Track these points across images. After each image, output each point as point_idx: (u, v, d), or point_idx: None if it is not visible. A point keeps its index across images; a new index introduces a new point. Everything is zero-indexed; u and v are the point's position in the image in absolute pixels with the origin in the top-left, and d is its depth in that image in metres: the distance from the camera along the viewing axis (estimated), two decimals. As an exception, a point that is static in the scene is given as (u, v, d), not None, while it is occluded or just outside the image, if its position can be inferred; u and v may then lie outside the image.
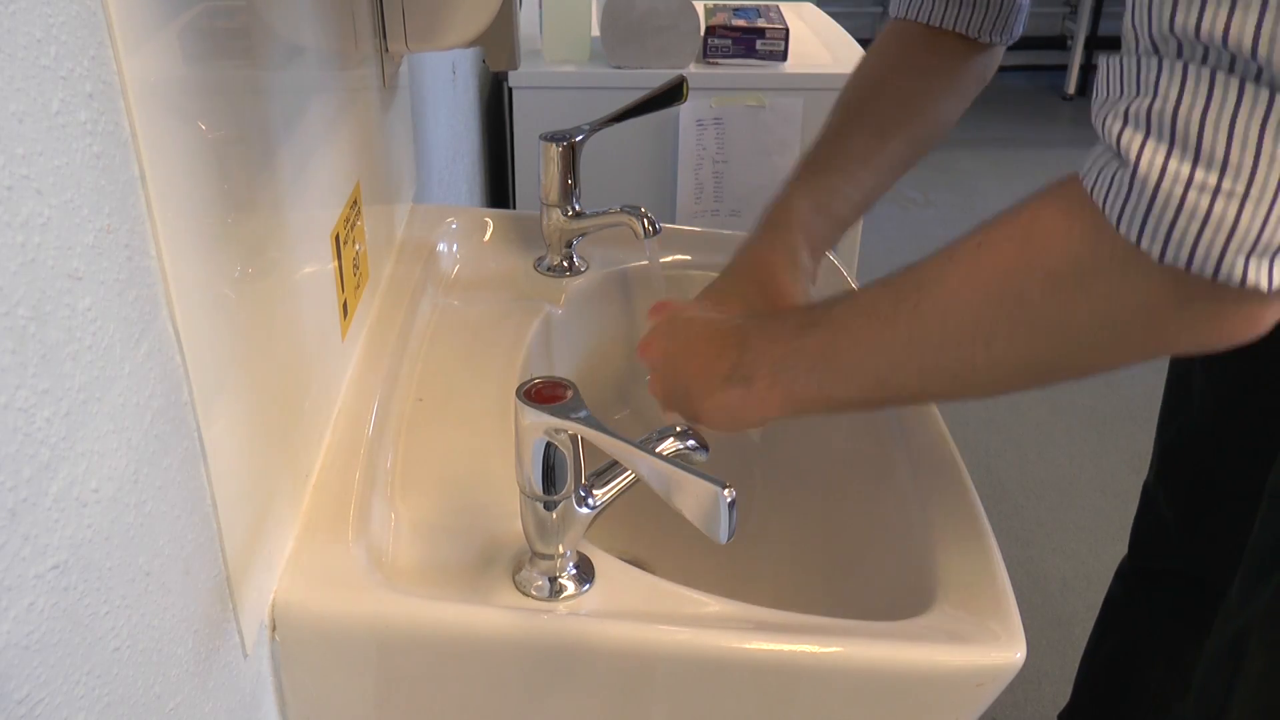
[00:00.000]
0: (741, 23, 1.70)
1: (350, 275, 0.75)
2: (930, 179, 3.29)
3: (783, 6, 1.87)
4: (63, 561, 0.35)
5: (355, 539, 0.61)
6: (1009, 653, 0.57)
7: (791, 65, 1.70)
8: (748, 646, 0.57)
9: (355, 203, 0.76)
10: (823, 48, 1.82)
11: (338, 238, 0.71)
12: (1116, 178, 0.47)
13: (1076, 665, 1.34)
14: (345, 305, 0.74)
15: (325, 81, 0.69)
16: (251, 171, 0.54)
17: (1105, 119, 0.49)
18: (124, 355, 0.39)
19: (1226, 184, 0.43)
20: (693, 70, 1.68)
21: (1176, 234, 0.45)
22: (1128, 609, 1.24)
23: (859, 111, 0.85)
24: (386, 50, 0.87)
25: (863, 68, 0.87)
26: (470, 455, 0.72)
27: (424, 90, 1.16)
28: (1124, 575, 1.25)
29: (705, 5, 1.81)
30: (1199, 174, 0.44)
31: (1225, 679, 0.90)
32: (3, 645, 0.32)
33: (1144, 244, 0.46)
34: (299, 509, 0.63)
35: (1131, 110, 0.47)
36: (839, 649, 0.57)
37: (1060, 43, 4.30)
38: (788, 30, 1.68)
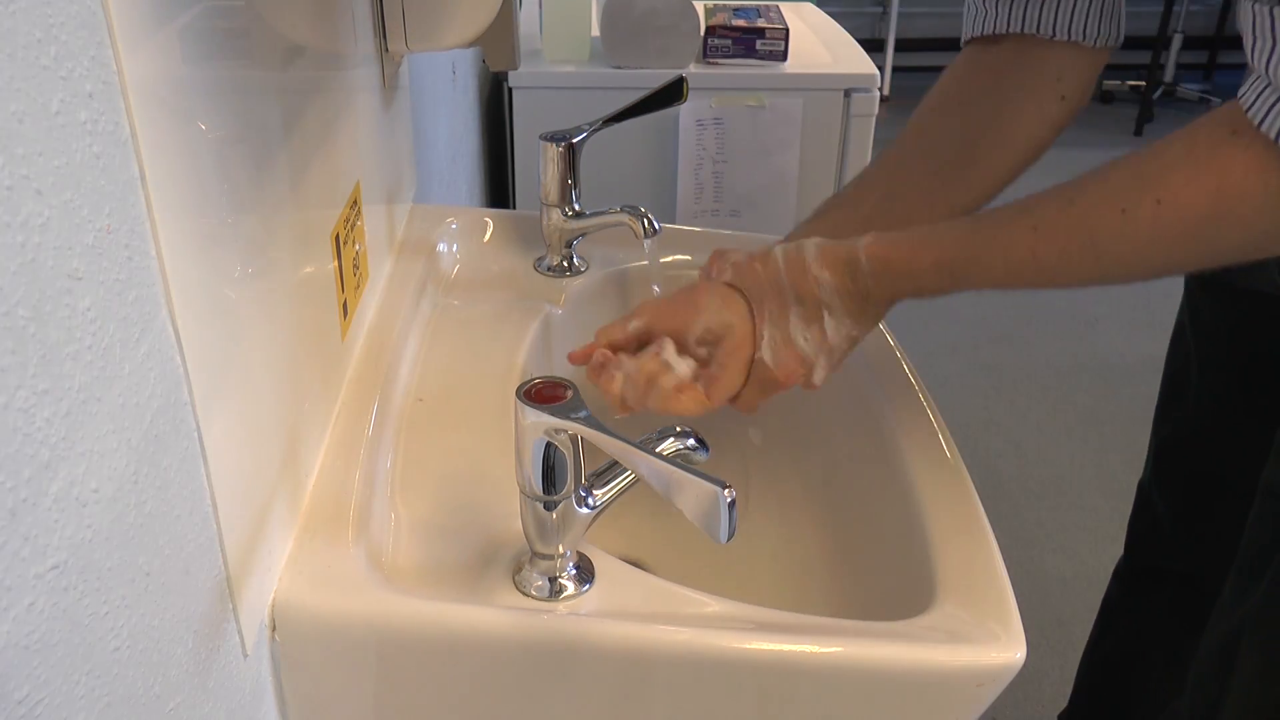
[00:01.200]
0: (741, 23, 1.70)
1: (350, 275, 0.75)
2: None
3: (783, 6, 1.87)
4: (62, 561, 0.35)
5: (355, 539, 0.61)
6: (1009, 653, 0.57)
7: (791, 65, 1.70)
8: (748, 646, 0.57)
9: (355, 203, 0.76)
10: (823, 48, 1.82)
11: (338, 238, 0.71)
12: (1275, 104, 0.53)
13: (1076, 665, 1.34)
14: (345, 305, 0.74)
15: (325, 81, 0.69)
16: (251, 171, 0.54)
17: None
18: (124, 355, 0.39)
19: None
20: (693, 70, 1.67)
21: None
22: (1125, 609, 1.24)
23: (900, 149, 0.80)
24: (386, 50, 0.87)
25: (921, 104, 0.82)
26: (470, 455, 0.72)
27: (424, 90, 1.16)
28: (1121, 575, 1.25)
29: (705, 5, 1.81)
30: None
31: (1220, 677, 0.90)
32: (3, 645, 0.32)
33: None
34: (299, 509, 0.63)
35: None
36: (839, 649, 0.57)
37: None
38: (788, 30, 1.68)
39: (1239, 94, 0.57)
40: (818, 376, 0.69)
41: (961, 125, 0.79)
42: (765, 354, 0.68)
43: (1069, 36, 0.74)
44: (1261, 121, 0.54)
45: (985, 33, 0.77)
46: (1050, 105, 0.77)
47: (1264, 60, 0.55)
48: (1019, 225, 0.63)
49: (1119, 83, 4.39)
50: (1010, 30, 0.76)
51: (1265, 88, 0.55)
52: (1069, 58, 0.76)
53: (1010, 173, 0.78)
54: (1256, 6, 0.55)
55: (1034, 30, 0.75)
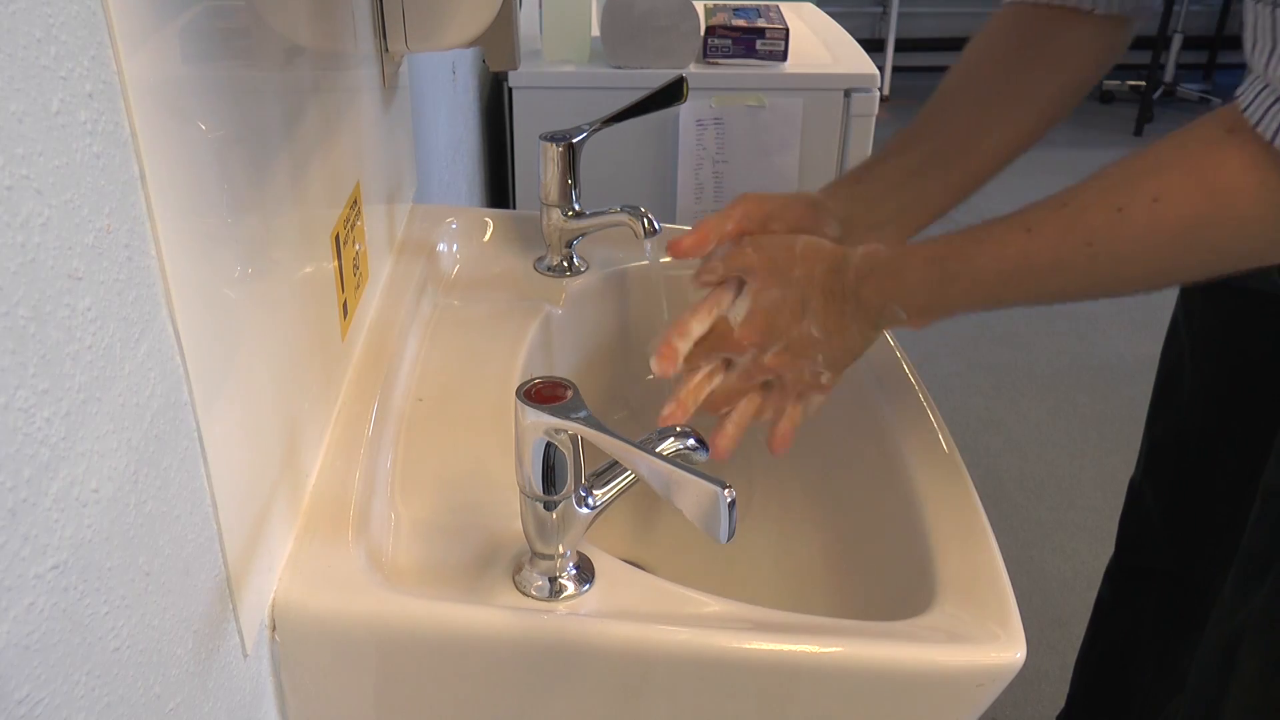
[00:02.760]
0: (741, 23, 1.70)
1: (350, 275, 0.75)
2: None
3: (783, 6, 1.87)
4: (63, 561, 0.35)
5: (355, 539, 0.61)
6: (1009, 653, 0.57)
7: (791, 65, 1.70)
8: (748, 646, 0.57)
9: (355, 203, 0.76)
10: (823, 48, 1.82)
11: (338, 238, 0.71)
12: (1272, 105, 0.53)
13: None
14: (345, 305, 0.74)
15: (325, 81, 0.69)
16: (251, 171, 0.54)
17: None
18: (124, 355, 0.39)
19: None
20: (693, 70, 1.67)
21: None
22: (1116, 609, 1.24)
23: (950, 97, 0.82)
24: (386, 50, 0.87)
25: (962, 56, 0.84)
26: (470, 455, 0.72)
27: (424, 90, 1.16)
28: (1112, 575, 1.25)
29: (705, 5, 1.81)
30: None
31: (1220, 678, 0.90)
32: (3, 645, 0.32)
33: None
34: (299, 509, 0.63)
35: None
36: (839, 649, 0.57)
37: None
38: (788, 30, 1.68)
39: (1236, 93, 0.57)
40: (771, 357, 0.70)
41: (1010, 78, 0.81)
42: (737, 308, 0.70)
43: (1107, 9, 0.77)
44: (1259, 121, 0.54)
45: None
46: (1089, 69, 0.80)
47: (1263, 61, 0.55)
48: (1012, 226, 0.63)
49: (1119, 83, 4.39)
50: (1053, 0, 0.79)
51: (1263, 88, 0.55)
52: (1107, 27, 0.79)
53: (1046, 123, 0.81)
54: (1258, 6, 0.55)
55: (1075, 4, 0.78)
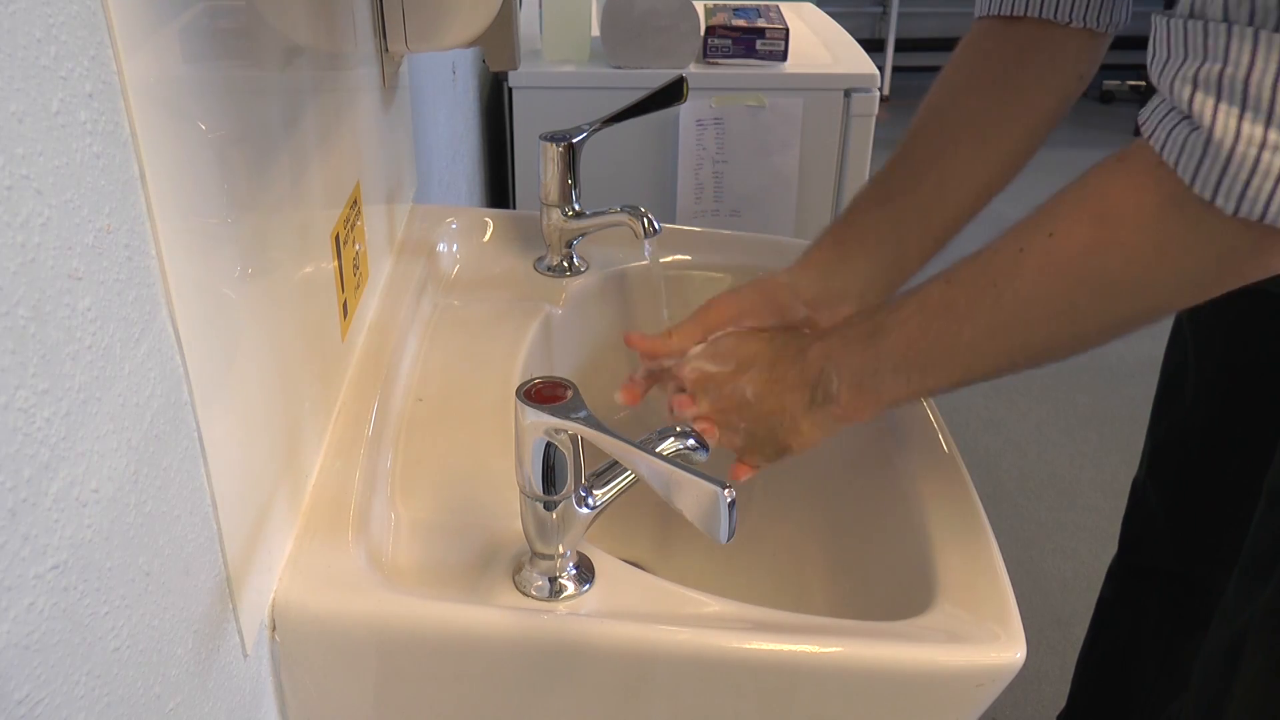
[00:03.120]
0: (741, 23, 1.70)
1: (350, 275, 0.75)
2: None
3: (783, 6, 1.86)
4: (63, 561, 0.35)
5: (355, 539, 0.61)
6: (1009, 653, 0.57)
7: (791, 65, 1.70)
8: (748, 646, 0.57)
9: (355, 203, 0.76)
10: (823, 48, 1.82)
11: (338, 238, 0.71)
12: (1190, 140, 0.50)
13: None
14: (345, 305, 0.74)
15: (325, 81, 0.69)
16: (251, 171, 0.54)
17: (1173, 82, 0.51)
18: (124, 355, 0.39)
19: None
20: (693, 70, 1.67)
21: (1251, 191, 0.48)
22: (1119, 608, 1.24)
23: (930, 131, 0.80)
24: (386, 50, 0.87)
25: (940, 80, 0.82)
26: (470, 455, 0.72)
27: (424, 90, 1.16)
28: (1114, 575, 1.25)
29: (705, 5, 1.81)
30: (1272, 135, 0.47)
31: (1223, 679, 0.90)
32: (3, 645, 0.32)
33: (1219, 201, 0.49)
34: (299, 509, 0.63)
35: (1201, 75, 0.50)
36: (839, 649, 0.57)
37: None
38: (788, 30, 1.68)
39: (1139, 115, 0.55)
40: (701, 406, 0.71)
41: (998, 97, 0.79)
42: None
43: (1084, 24, 0.75)
44: (1151, 134, 0.53)
45: (1004, 13, 0.78)
46: (1071, 81, 0.79)
47: (1157, 72, 0.53)
48: (936, 278, 0.63)
49: (1119, 83, 4.39)
50: (1029, 14, 0.77)
51: (1160, 103, 0.53)
52: (1085, 41, 0.78)
53: (1037, 142, 0.79)
54: (1157, 18, 0.53)
55: (1051, 16, 0.76)
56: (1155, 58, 0.54)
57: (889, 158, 0.80)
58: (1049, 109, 0.78)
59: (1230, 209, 0.49)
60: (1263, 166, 0.48)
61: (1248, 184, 0.48)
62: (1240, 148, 0.48)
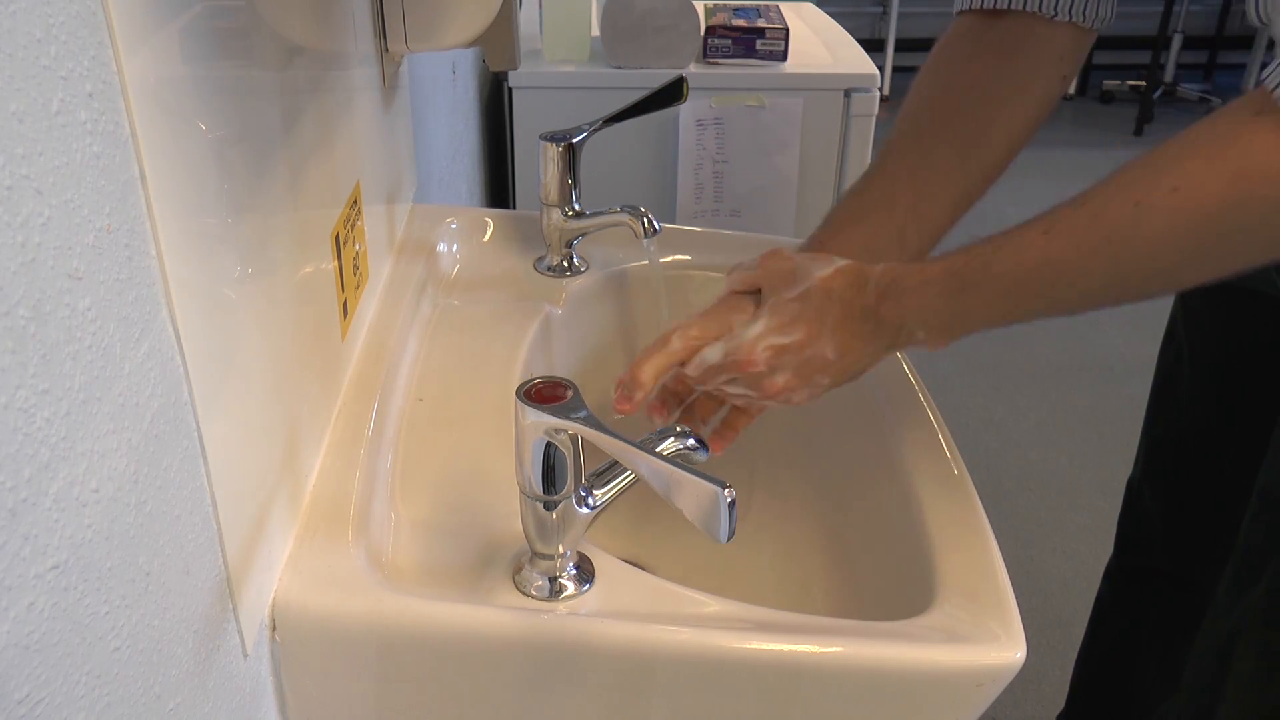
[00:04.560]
0: (741, 23, 1.70)
1: (350, 275, 0.75)
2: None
3: (783, 6, 1.86)
4: (63, 561, 0.35)
5: (355, 539, 0.61)
6: (1009, 653, 0.57)
7: (791, 65, 1.70)
8: (748, 646, 0.57)
9: (355, 203, 0.76)
10: (823, 48, 1.82)
11: (338, 238, 0.71)
12: None
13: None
14: (345, 305, 0.74)
15: (325, 81, 0.69)
16: (251, 171, 0.54)
17: None
18: (124, 355, 0.39)
19: None
20: (693, 70, 1.67)
21: None
22: (1116, 609, 1.24)
23: (907, 144, 0.78)
24: (386, 50, 0.87)
25: (916, 88, 0.81)
26: (470, 455, 0.72)
27: (424, 90, 1.16)
28: (1111, 575, 1.25)
29: (705, 5, 1.81)
30: None
31: (1215, 679, 0.90)
32: (3, 645, 0.32)
33: None
34: (299, 509, 0.63)
35: None
36: (839, 649, 0.57)
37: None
38: (788, 30, 1.68)
39: (1262, 76, 0.55)
40: (780, 379, 0.67)
41: (977, 106, 0.77)
42: (747, 331, 0.67)
43: (1069, 18, 0.74)
44: (1277, 87, 0.53)
45: (988, 7, 0.77)
46: (1054, 83, 0.77)
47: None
48: (1031, 229, 0.62)
49: (1119, 83, 4.39)
50: (1014, 7, 0.75)
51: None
52: (1069, 37, 0.76)
53: (1019, 147, 0.78)
54: None
55: (1038, 9, 0.75)
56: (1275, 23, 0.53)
57: (865, 171, 0.79)
58: (1030, 115, 0.77)
59: None
60: None
61: None
62: None
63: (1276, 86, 0.54)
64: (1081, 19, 0.75)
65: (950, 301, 0.64)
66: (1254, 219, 0.55)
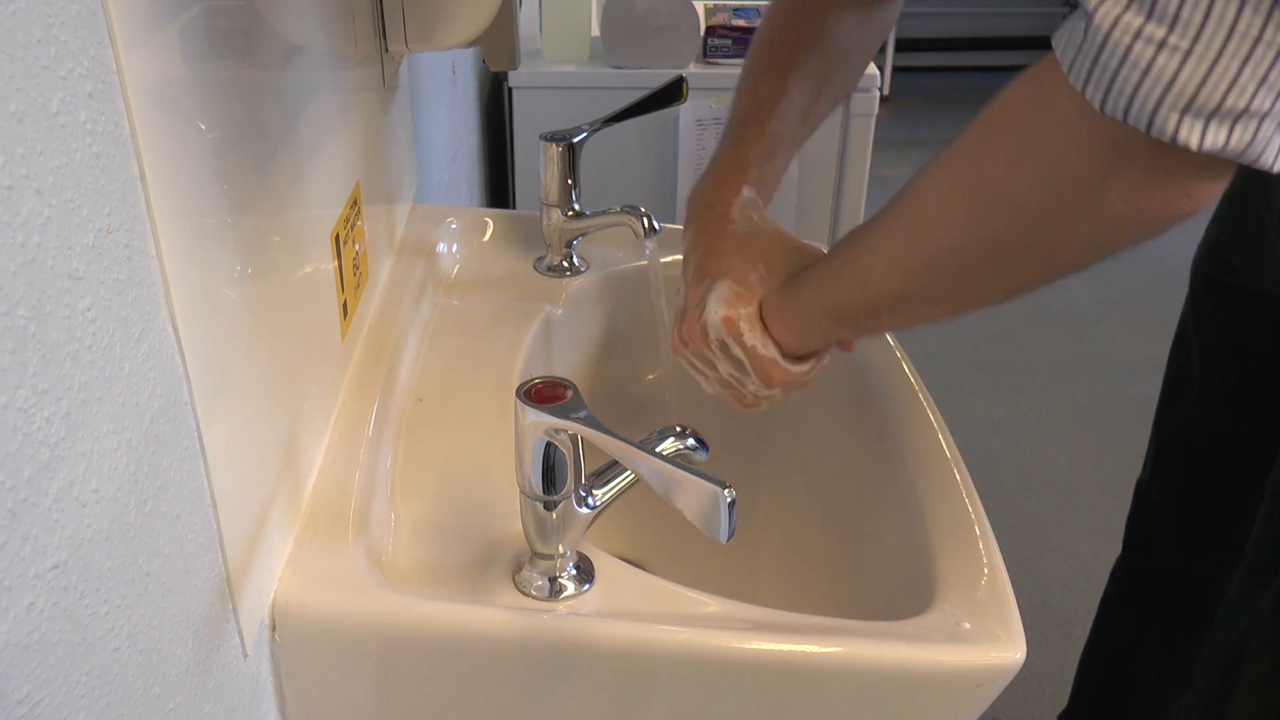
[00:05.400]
0: (741, 22, 1.70)
1: (350, 275, 0.75)
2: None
3: (783, 6, 1.86)
4: (62, 561, 0.35)
5: (355, 539, 0.61)
6: (1009, 653, 0.57)
7: (791, 65, 1.69)
8: (748, 646, 0.57)
9: (355, 203, 0.76)
10: (823, 48, 1.82)
11: (338, 238, 0.71)
12: (1074, 28, 0.48)
13: (1076, 666, 1.34)
14: (345, 305, 0.74)
15: (325, 81, 0.69)
16: (251, 171, 0.54)
17: None
18: (124, 355, 0.39)
19: (1173, 39, 0.44)
20: (693, 70, 1.67)
21: (1119, 82, 0.46)
22: (1122, 609, 1.24)
23: (773, 64, 0.87)
24: (386, 50, 0.87)
25: (767, 19, 0.86)
26: (470, 455, 0.72)
27: (424, 90, 1.16)
28: (1118, 575, 1.25)
29: (705, 5, 1.81)
30: (1149, 27, 0.45)
31: (1225, 681, 0.90)
32: (3, 645, 0.32)
33: (1089, 91, 0.47)
34: (299, 509, 0.63)
35: None
36: (839, 649, 0.57)
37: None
38: (788, 30, 1.68)
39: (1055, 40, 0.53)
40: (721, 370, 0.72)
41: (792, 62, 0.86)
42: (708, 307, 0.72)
43: None
44: (1055, 41, 0.51)
45: None
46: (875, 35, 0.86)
47: None
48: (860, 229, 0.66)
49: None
50: None
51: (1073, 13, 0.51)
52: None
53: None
54: None
55: None
56: None
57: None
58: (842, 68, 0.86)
59: (1098, 101, 0.47)
60: (1133, 57, 0.45)
61: (1116, 74, 0.46)
62: (1115, 35, 0.45)
63: (1057, 34, 0.50)
64: None
65: (834, 286, 0.67)
66: (990, 164, 0.54)
